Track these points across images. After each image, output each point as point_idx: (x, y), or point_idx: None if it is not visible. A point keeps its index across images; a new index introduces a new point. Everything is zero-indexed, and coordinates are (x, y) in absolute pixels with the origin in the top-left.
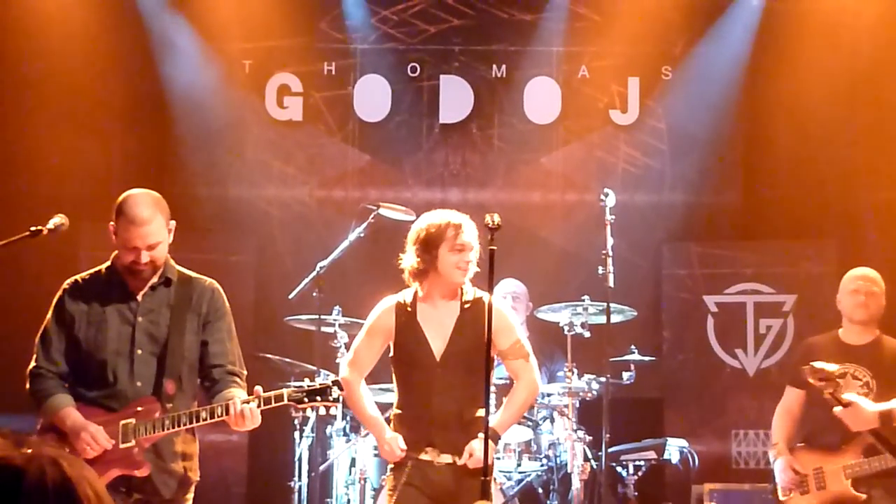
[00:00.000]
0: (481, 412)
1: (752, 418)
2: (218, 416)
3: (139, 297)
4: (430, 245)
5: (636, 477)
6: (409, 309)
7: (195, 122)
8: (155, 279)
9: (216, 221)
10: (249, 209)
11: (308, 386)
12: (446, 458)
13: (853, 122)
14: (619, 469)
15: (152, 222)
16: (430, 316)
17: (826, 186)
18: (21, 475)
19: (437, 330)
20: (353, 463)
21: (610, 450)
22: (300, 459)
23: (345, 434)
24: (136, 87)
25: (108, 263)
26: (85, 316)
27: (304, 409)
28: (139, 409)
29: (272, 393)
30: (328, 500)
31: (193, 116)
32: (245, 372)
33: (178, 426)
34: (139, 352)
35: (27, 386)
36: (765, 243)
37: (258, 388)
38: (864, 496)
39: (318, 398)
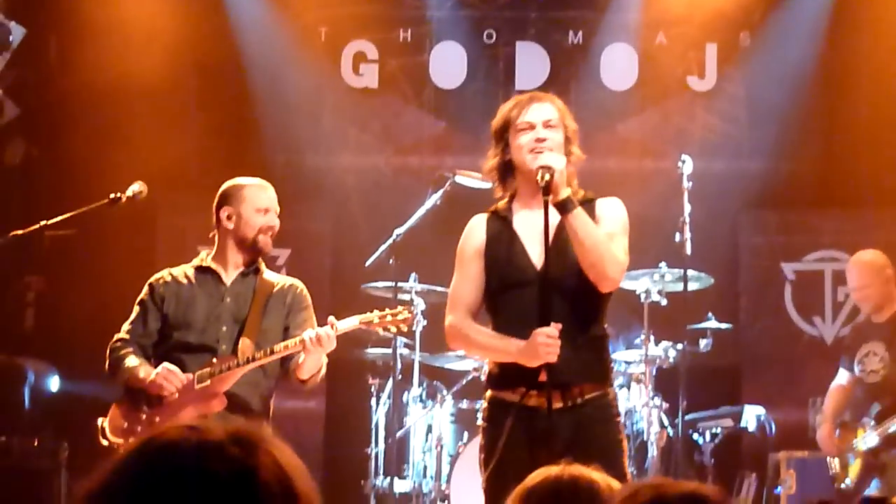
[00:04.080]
0: (597, 332)
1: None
2: (292, 348)
3: (228, 283)
4: (500, 132)
5: (713, 445)
6: (502, 216)
7: (271, 90)
8: (244, 267)
9: (293, 189)
10: (326, 177)
11: (379, 311)
12: (557, 403)
13: None
14: (695, 437)
15: (272, 190)
16: (529, 221)
17: None
18: (245, 462)
19: (538, 237)
20: (429, 430)
21: (686, 417)
22: (377, 426)
23: (421, 401)
24: (212, 57)
25: (194, 262)
26: (174, 297)
27: (379, 329)
28: (214, 360)
29: (344, 320)
30: (405, 466)
31: (270, 85)
32: None
33: (253, 361)
34: (224, 328)
35: (107, 359)
36: (843, 210)
37: (332, 318)
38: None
39: (389, 318)
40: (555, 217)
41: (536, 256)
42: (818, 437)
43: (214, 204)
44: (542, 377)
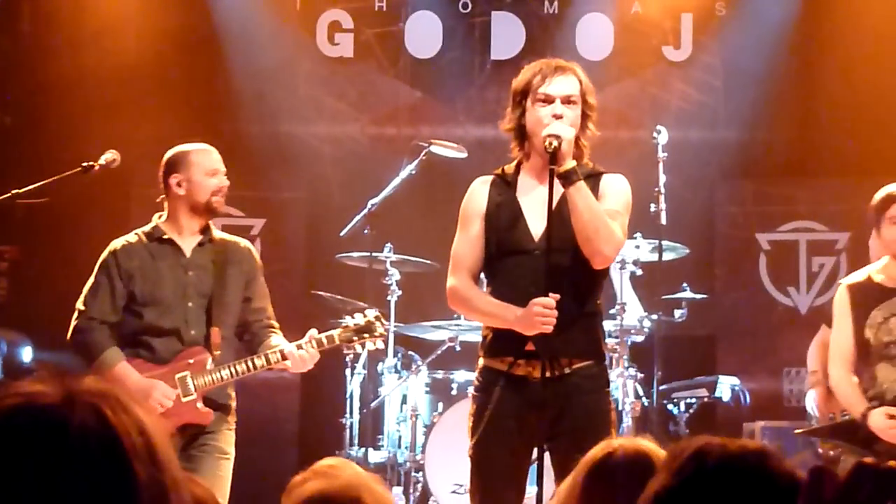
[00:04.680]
0: (591, 308)
1: (804, 356)
2: (273, 363)
3: (188, 254)
4: (519, 96)
5: (688, 414)
6: (507, 181)
7: (246, 59)
8: (200, 237)
9: (268, 158)
10: (301, 146)
11: (354, 325)
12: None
13: None
14: (670, 407)
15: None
16: (533, 190)
17: (882, 123)
18: (63, 424)
19: (540, 207)
20: (404, 400)
21: (661, 388)
22: (352, 396)
23: (396, 371)
24: (186, 24)
25: (147, 228)
26: (139, 272)
27: (353, 348)
28: (190, 360)
29: (324, 335)
30: (379, 436)
31: (244, 53)
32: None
33: (236, 375)
34: (190, 304)
35: (71, 336)
36: (819, 181)
37: (313, 331)
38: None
39: (366, 335)
40: (559, 188)
41: (536, 226)
42: (816, 400)
43: (161, 173)
44: (530, 346)
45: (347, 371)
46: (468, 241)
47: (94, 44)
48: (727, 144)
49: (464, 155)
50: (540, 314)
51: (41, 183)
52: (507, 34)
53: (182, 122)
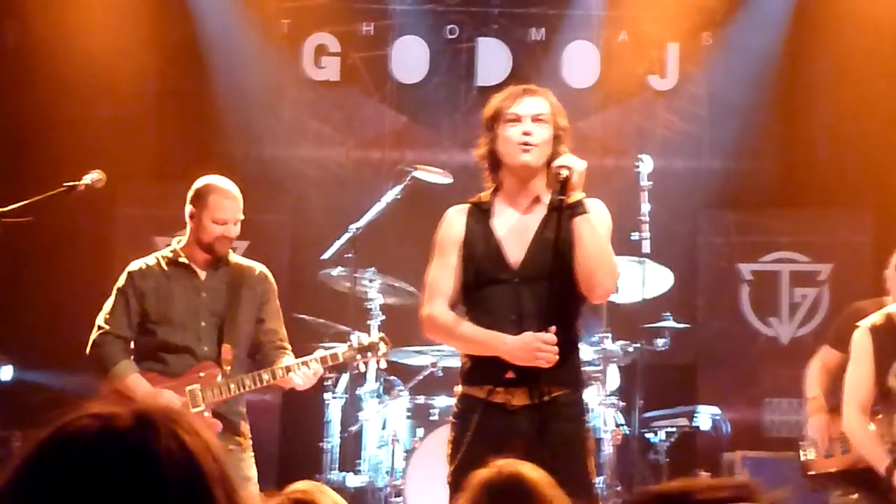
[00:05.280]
0: (569, 336)
1: (785, 387)
2: (279, 378)
3: (202, 277)
4: (490, 122)
5: (668, 444)
6: (483, 209)
7: (232, 81)
8: (210, 260)
9: (252, 180)
10: (285, 169)
11: (359, 344)
12: (524, 400)
13: (894, 92)
14: (649, 435)
15: (240, 198)
16: (509, 217)
17: (865, 155)
18: (151, 451)
19: (517, 235)
20: (384, 425)
21: (642, 416)
22: (332, 420)
23: (377, 395)
24: (173, 46)
25: (166, 251)
26: (154, 292)
27: (358, 366)
28: (201, 374)
29: (329, 353)
30: (359, 461)
31: (231, 76)
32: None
33: (243, 389)
34: (203, 324)
35: (90, 350)
36: (801, 212)
37: (319, 350)
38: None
39: (369, 354)
40: (537, 216)
41: (513, 254)
42: (816, 426)
43: (188, 194)
44: (510, 375)
45: (328, 395)
46: (445, 269)
47: (79, 63)
48: (711, 174)
49: (449, 180)
50: (540, 349)
51: (25, 202)
52: (493, 60)
53: (167, 143)
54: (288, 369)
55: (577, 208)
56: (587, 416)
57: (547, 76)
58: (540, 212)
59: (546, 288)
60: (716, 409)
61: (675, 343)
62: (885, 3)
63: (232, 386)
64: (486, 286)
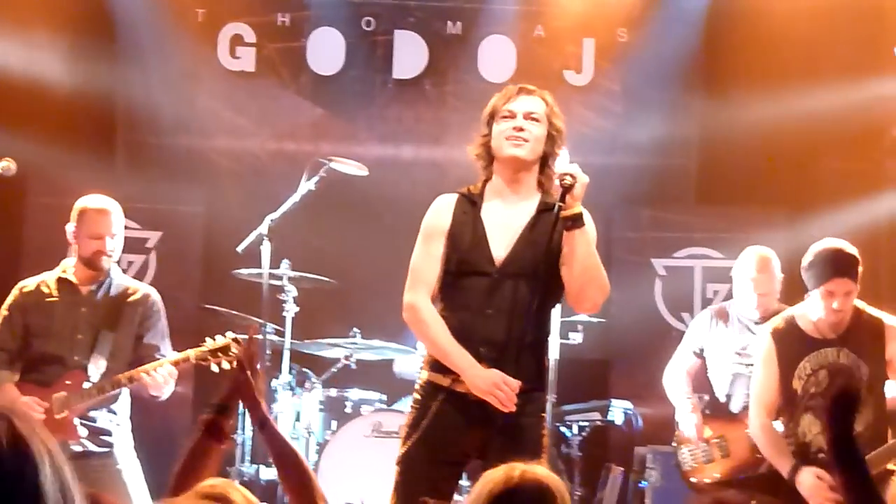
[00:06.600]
0: (539, 336)
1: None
2: (135, 380)
3: (84, 293)
4: (487, 119)
5: (580, 437)
6: (472, 200)
7: (145, 70)
8: (100, 279)
9: (166, 171)
10: (200, 159)
11: (212, 345)
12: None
13: (812, 90)
14: (563, 429)
15: (114, 213)
16: (498, 212)
17: (777, 156)
18: None
19: (503, 230)
20: (297, 417)
21: (555, 410)
22: (244, 413)
23: (290, 388)
24: (85, 33)
25: (57, 270)
26: (36, 307)
27: (210, 367)
28: (68, 382)
29: (179, 355)
30: None
31: (144, 63)
32: None
33: (102, 393)
34: (80, 336)
35: None
36: (715, 209)
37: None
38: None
39: (220, 355)
40: (525, 214)
41: (498, 249)
42: (692, 423)
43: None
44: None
45: None
46: (429, 257)
47: None
48: (625, 170)
49: (364, 173)
50: (500, 394)
51: None
52: (409, 53)
53: (79, 132)
54: (134, 376)
55: (578, 221)
56: (545, 414)
57: (463, 70)
58: (528, 209)
59: (525, 286)
60: (628, 404)
61: (588, 337)
62: (807, 3)
63: (92, 391)
64: (466, 277)
